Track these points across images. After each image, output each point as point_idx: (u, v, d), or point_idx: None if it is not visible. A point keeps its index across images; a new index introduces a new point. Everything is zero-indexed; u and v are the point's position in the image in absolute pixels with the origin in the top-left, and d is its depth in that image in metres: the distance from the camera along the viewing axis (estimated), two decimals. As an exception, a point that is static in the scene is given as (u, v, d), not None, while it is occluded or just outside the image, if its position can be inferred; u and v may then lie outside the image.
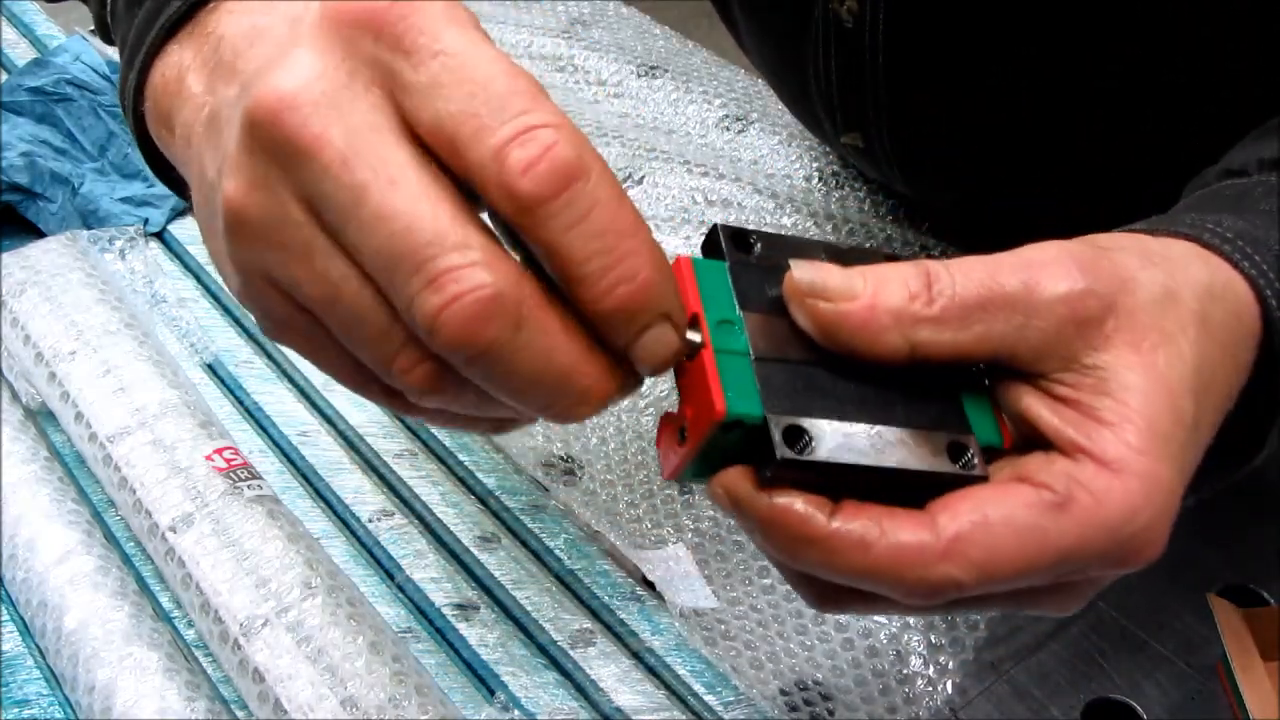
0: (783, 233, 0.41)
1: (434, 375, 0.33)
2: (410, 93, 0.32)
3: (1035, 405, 0.36)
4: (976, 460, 0.35)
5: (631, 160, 0.86)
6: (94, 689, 0.53)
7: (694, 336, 0.34)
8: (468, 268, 0.31)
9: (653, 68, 0.95)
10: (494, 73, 0.32)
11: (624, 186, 0.91)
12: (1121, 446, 0.34)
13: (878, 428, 0.34)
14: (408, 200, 0.31)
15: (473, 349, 0.31)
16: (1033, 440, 0.36)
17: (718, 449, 0.34)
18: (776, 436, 0.33)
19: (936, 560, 0.33)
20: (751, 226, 0.37)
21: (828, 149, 0.86)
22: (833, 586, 0.36)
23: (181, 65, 0.39)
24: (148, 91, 0.41)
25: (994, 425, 0.36)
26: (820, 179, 0.84)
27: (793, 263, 0.35)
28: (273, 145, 0.32)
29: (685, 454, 0.34)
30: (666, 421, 0.35)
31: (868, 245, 0.79)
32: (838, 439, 0.33)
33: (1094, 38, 0.58)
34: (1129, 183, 0.59)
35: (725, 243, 0.36)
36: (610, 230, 0.31)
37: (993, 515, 0.34)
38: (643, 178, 0.84)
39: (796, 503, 0.33)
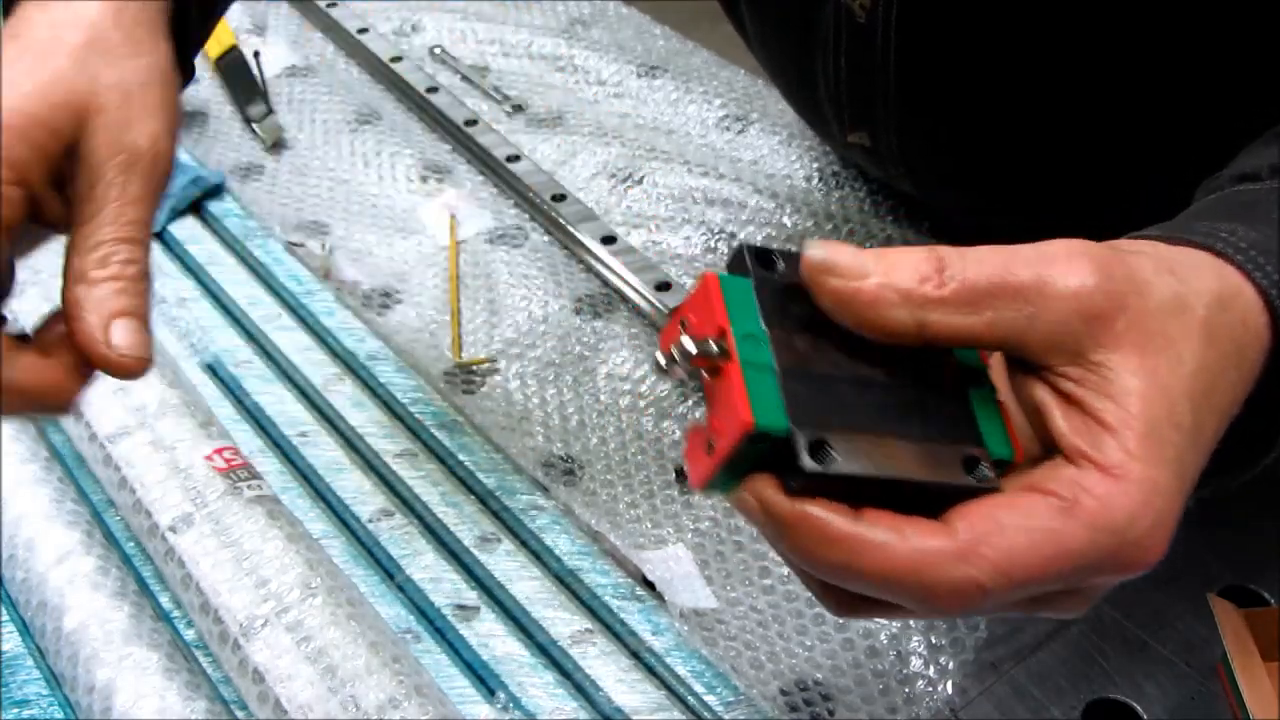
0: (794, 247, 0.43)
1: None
2: None
3: (1047, 402, 0.37)
4: (990, 473, 0.36)
5: (631, 160, 0.86)
6: (94, 689, 0.53)
7: (720, 349, 0.36)
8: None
9: (653, 68, 0.95)
10: None
11: (624, 186, 0.91)
12: (1121, 453, 0.35)
13: (897, 441, 0.36)
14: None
15: None
16: (1040, 433, 0.37)
17: (744, 459, 0.35)
18: (803, 450, 0.34)
19: (956, 562, 0.34)
20: (776, 246, 0.39)
21: (828, 149, 0.86)
22: (853, 594, 0.38)
23: None
24: None
25: (1005, 439, 0.38)
26: (820, 179, 0.84)
27: (806, 242, 0.37)
28: None
29: (714, 464, 0.36)
30: (695, 433, 0.37)
31: (867, 246, 0.79)
32: (859, 451, 0.35)
33: (1106, 38, 0.58)
34: (1135, 185, 0.59)
35: (750, 260, 0.38)
36: None
37: (1006, 521, 0.35)
38: (643, 178, 0.84)
39: (821, 509, 0.35)
